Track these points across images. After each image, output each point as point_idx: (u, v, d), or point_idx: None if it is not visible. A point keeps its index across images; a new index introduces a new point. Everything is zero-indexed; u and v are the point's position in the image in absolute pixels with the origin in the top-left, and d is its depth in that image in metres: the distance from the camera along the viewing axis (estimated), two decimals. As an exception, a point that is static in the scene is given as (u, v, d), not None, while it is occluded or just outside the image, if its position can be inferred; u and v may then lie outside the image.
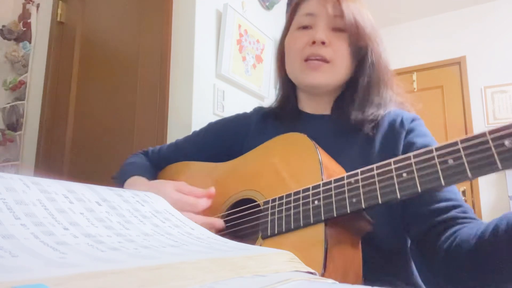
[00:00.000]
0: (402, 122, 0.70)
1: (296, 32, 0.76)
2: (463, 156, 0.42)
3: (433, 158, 0.44)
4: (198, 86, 1.79)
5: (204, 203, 0.63)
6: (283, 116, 0.80)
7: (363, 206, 0.47)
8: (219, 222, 0.62)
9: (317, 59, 0.71)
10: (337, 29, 0.72)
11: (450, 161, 0.42)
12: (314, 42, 0.71)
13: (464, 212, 0.58)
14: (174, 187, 0.65)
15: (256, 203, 0.61)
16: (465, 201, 3.31)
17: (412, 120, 0.70)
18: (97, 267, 0.24)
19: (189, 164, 0.82)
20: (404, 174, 0.45)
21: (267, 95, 2.29)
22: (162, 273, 0.25)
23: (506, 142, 0.39)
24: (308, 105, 0.80)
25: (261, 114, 0.84)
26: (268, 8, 2.41)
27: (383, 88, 0.73)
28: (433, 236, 0.58)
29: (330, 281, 0.33)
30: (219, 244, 0.37)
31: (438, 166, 0.43)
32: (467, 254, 0.51)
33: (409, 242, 0.69)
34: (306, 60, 0.72)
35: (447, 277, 0.55)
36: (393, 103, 0.74)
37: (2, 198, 0.29)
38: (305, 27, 0.74)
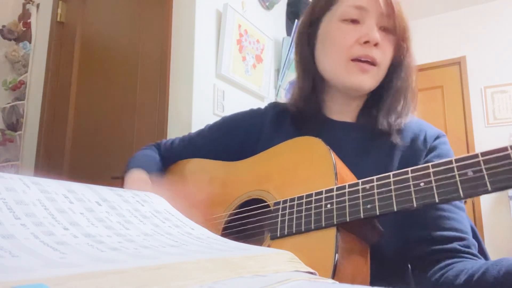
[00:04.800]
0: (425, 139, 0.66)
1: (341, 24, 0.67)
2: (484, 169, 0.41)
3: (452, 169, 0.43)
4: (198, 86, 1.79)
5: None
6: (304, 119, 0.74)
7: (378, 213, 0.46)
8: None
9: (367, 61, 0.65)
10: (384, 29, 0.66)
11: (470, 173, 0.42)
12: (366, 42, 0.64)
13: (467, 246, 0.56)
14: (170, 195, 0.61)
15: (266, 203, 0.60)
16: (465, 202, 3.29)
17: (436, 138, 0.66)
18: (97, 267, 0.24)
19: (199, 161, 0.81)
20: (422, 184, 0.44)
21: (267, 95, 2.29)
22: (162, 273, 0.25)
23: None
24: (333, 108, 0.74)
25: (276, 112, 0.79)
26: (268, 8, 2.41)
27: (410, 93, 0.69)
28: (428, 263, 0.56)
29: (330, 281, 0.33)
30: (219, 244, 0.37)
31: (457, 177, 0.42)
32: None
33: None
34: (354, 60, 0.66)
35: None
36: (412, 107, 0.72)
37: (2, 198, 0.29)
38: (352, 21, 0.66)
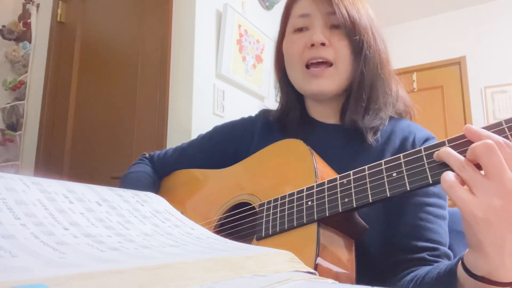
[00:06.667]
0: (413, 142, 0.66)
1: (292, 35, 0.71)
2: None
3: (422, 158, 0.45)
4: (198, 86, 1.79)
5: None
6: (291, 125, 0.75)
7: (354, 205, 0.48)
8: None
9: (318, 62, 0.66)
10: (334, 26, 0.67)
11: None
12: (313, 45, 0.66)
13: (436, 256, 0.57)
14: None
15: (251, 205, 0.61)
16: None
17: (425, 140, 0.66)
18: (97, 267, 0.24)
19: (190, 171, 0.82)
20: (394, 174, 0.46)
21: (267, 95, 2.29)
22: (162, 273, 0.25)
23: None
24: (316, 111, 0.75)
25: (266, 119, 0.80)
26: (268, 8, 2.41)
27: (381, 86, 0.68)
28: (400, 270, 0.58)
29: (330, 281, 0.33)
30: (219, 244, 0.37)
31: (427, 165, 0.44)
32: None
33: None
34: (308, 65, 0.67)
35: None
36: (398, 105, 0.71)
37: (2, 198, 0.29)
38: (300, 29, 0.70)
